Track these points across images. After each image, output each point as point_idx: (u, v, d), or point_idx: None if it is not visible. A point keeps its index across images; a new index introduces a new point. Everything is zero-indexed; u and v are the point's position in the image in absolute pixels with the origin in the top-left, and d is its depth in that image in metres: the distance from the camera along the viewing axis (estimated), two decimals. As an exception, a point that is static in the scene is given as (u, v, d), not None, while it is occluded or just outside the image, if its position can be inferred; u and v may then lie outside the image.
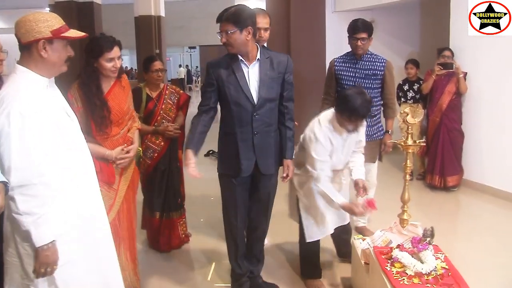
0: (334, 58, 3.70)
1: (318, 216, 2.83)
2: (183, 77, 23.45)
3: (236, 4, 3.08)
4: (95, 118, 2.48)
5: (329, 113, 2.72)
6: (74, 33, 1.82)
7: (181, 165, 3.68)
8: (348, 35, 3.48)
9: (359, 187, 2.73)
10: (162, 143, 3.39)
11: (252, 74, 2.56)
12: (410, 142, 2.70)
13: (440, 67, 4.94)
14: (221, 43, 2.48)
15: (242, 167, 2.59)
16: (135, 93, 3.37)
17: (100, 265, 1.97)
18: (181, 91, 3.65)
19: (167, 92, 3.45)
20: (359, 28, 3.39)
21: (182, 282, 3.14)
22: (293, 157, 2.77)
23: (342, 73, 3.56)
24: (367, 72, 3.49)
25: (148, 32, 12.02)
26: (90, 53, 2.50)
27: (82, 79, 2.51)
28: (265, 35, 3.13)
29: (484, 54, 4.87)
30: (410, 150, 2.74)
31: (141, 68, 3.96)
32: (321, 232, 2.88)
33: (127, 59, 24.38)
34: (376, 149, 3.61)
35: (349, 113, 2.52)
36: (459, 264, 2.40)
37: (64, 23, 1.81)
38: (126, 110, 2.68)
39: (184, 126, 3.62)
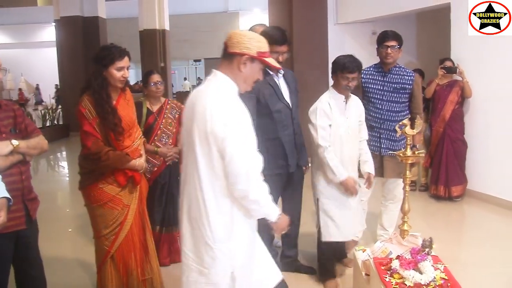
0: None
1: (336, 216, 2.97)
2: (188, 90, 23.62)
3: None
4: (109, 125, 2.52)
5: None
6: (272, 61, 1.93)
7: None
8: (377, 46, 3.40)
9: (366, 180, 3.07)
10: (162, 159, 3.39)
11: (281, 84, 2.98)
12: (409, 153, 2.71)
13: (443, 71, 4.96)
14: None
15: (290, 164, 3.00)
16: (136, 107, 3.39)
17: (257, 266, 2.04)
18: (183, 106, 3.67)
19: (168, 106, 3.46)
20: (389, 36, 3.32)
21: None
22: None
23: (369, 86, 3.44)
24: (395, 86, 3.38)
25: (153, 46, 12.11)
26: (101, 61, 2.52)
27: (93, 88, 2.53)
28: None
29: (484, 64, 4.89)
30: (409, 161, 2.74)
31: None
32: (338, 234, 3.00)
33: (133, 73, 24.49)
34: (403, 163, 3.52)
35: (341, 68, 2.86)
36: (461, 275, 2.39)
37: (268, 49, 1.92)
38: (134, 122, 2.73)
39: None
